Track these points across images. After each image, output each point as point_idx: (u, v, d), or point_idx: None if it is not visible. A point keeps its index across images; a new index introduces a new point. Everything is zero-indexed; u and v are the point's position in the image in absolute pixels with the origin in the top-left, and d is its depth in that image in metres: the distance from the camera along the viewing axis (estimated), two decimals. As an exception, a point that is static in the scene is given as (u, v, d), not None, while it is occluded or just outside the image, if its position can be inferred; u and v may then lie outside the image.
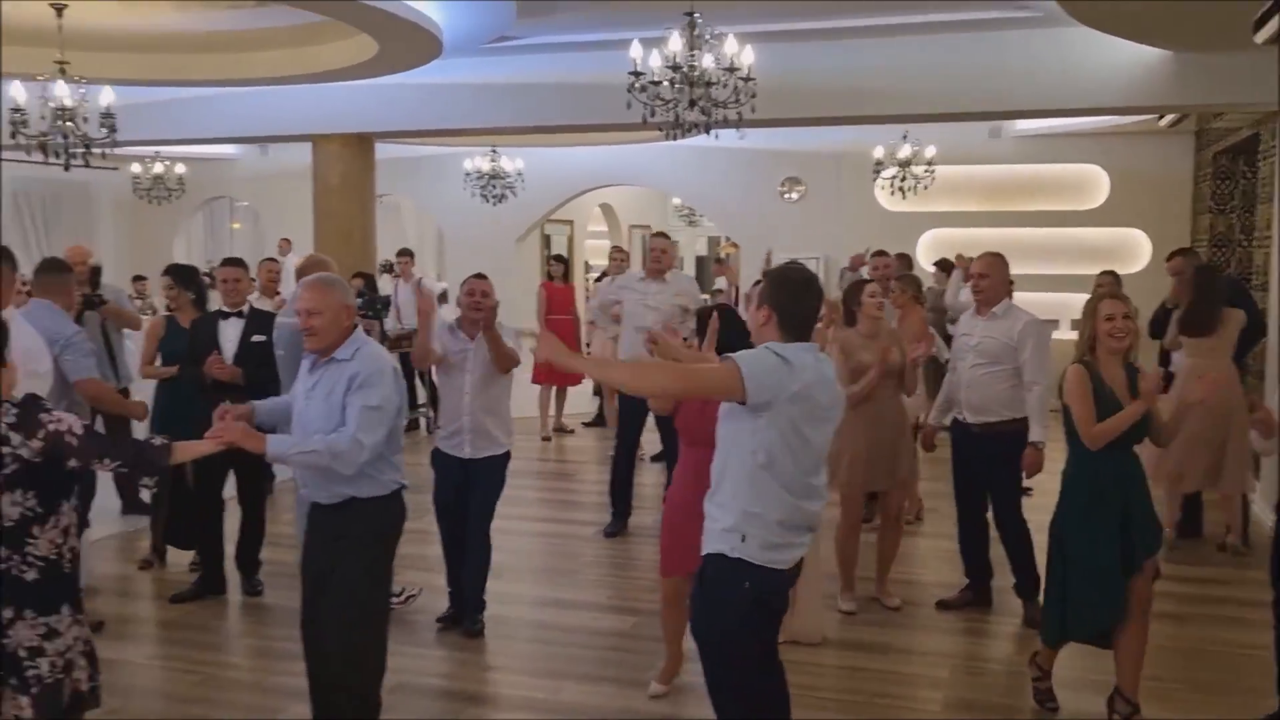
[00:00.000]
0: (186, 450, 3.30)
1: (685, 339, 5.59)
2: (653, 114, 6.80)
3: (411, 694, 4.69)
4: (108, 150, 7.82)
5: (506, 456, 5.43)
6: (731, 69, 6.59)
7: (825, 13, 8.21)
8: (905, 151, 12.00)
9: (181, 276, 6.54)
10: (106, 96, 7.81)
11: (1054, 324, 10.84)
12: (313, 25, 8.20)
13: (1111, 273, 8.61)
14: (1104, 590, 4.15)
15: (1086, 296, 4.52)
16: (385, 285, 11.36)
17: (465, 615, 5.46)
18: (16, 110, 7.44)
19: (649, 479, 8.50)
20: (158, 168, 14.37)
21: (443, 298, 12.78)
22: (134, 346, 7.50)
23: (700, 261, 21.42)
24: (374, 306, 8.94)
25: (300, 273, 5.78)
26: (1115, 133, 12.09)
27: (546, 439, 10.60)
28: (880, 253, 8.30)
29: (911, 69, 8.60)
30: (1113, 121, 11.39)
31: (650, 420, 7.04)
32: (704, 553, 3.27)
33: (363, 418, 3.63)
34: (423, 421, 10.80)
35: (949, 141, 12.14)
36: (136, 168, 14.34)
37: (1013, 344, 5.37)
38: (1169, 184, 12.27)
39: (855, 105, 8.97)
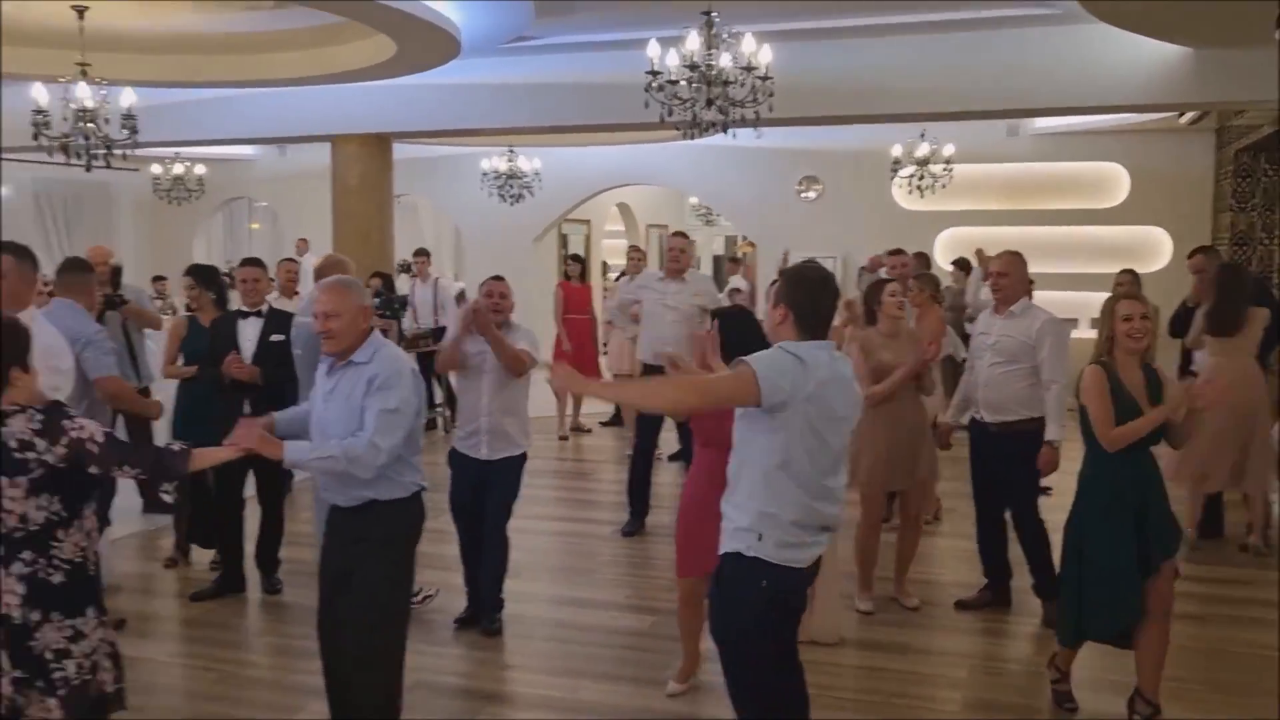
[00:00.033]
0: (205, 457, 3.33)
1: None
2: (670, 113, 6.79)
3: (429, 692, 4.70)
4: (128, 151, 7.87)
5: (523, 458, 5.43)
6: (749, 68, 6.59)
7: (842, 11, 8.19)
8: (923, 150, 11.95)
9: (203, 277, 6.58)
10: (127, 98, 7.86)
11: (1073, 323, 10.78)
12: (331, 26, 8.24)
13: (1131, 271, 8.56)
14: (1120, 591, 4.13)
15: (1106, 295, 4.50)
16: (403, 285, 11.39)
17: (483, 614, 5.47)
18: (39, 112, 7.50)
19: (666, 478, 8.49)
20: (178, 168, 14.46)
21: (460, 297, 12.80)
22: (154, 346, 7.55)
23: (717, 261, 21.39)
24: (391, 306, 8.97)
25: (318, 272, 5.80)
26: (1135, 130, 12.02)
27: (564, 438, 10.62)
28: (898, 251, 8.28)
29: (930, 67, 8.57)
30: (1132, 119, 11.32)
31: (668, 420, 7.04)
32: (721, 552, 3.27)
33: (380, 421, 3.62)
34: (439, 421, 10.83)
35: (967, 140, 12.09)
36: (157, 168, 14.43)
37: (1031, 342, 5.35)
38: (1189, 182, 12.19)
39: (873, 104, 8.94)
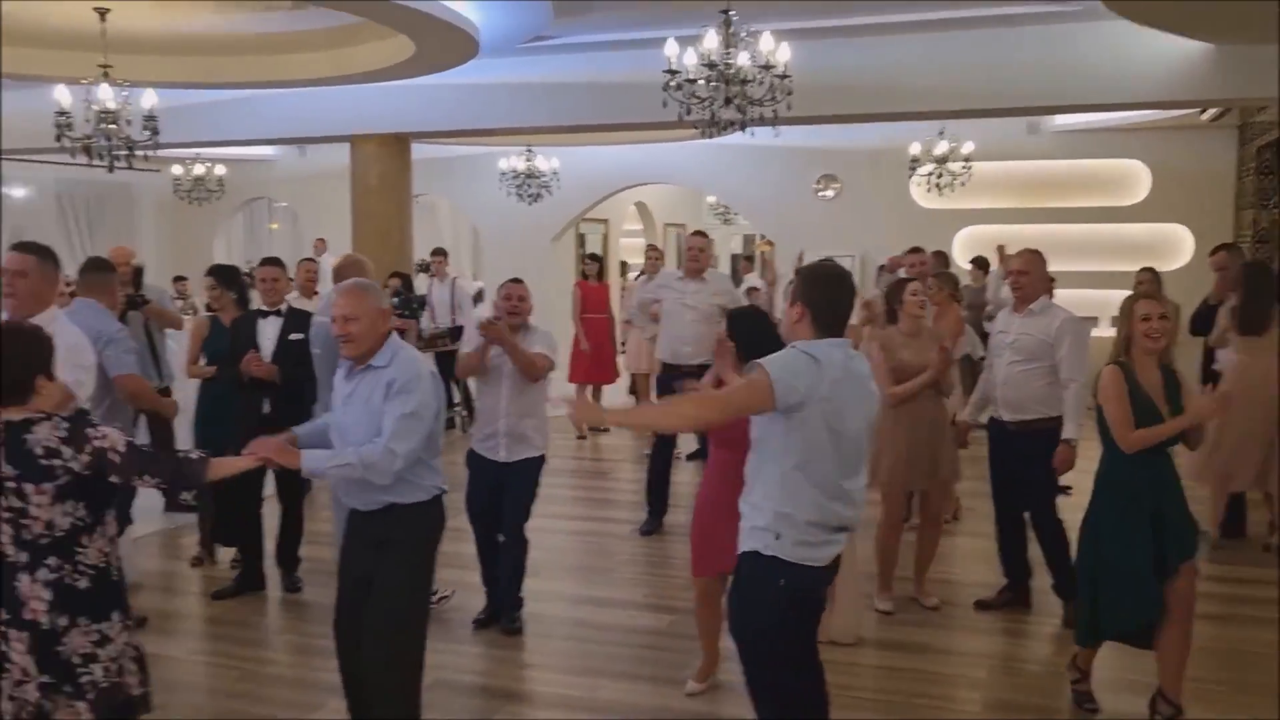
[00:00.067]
0: (223, 466, 3.36)
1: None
2: (688, 112, 6.79)
3: (448, 691, 4.72)
4: (150, 152, 7.93)
5: (541, 460, 5.43)
6: (767, 66, 6.58)
7: (861, 9, 8.17)
8: (942, 148, 11.92)
9: (224, 277, 6.62)
10: (149, 99, 7.92)
11: (1093, 321, 10.73)
12: (350, 27, 8.27)
13: (1151, 270, 8.50)
14: (1135, 591, 4.11)
15: (1127, 293, 4.48)
16: (421, 285, 11.42)
17: (502, 614, 5.48)
18: (62, 113, 7.57)
19: (685, 478, 8.49)
20: (198, 169, 14.55)
21: (478, 297, 12.83)
22: (175, 346, 7.60)
23: (735, 260, 21.37)
24: (410, 306, 9.00)
25: (337, 272, 5.83)
26: (1156, 127, 11.94)
27: (582, 437, 10.64)
28: (916, 250, 8.24)
29: (949, 65, 8.54)
30: (1153, 116, 11.25)
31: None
32: (740, 551, 3.27)
33: (397, 426, 3.60)
34: (456, 420, 10.85)
35: (986, 137, 12.04)
36: (178, 169, 14.53)
37: (1050, 341, 5.32)
38: (1211, 179, 12.09)
39: (892, 102, 8.91)
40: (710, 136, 7.42)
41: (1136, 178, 12.70)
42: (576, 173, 14.55)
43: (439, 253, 11.77)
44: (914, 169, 12.25)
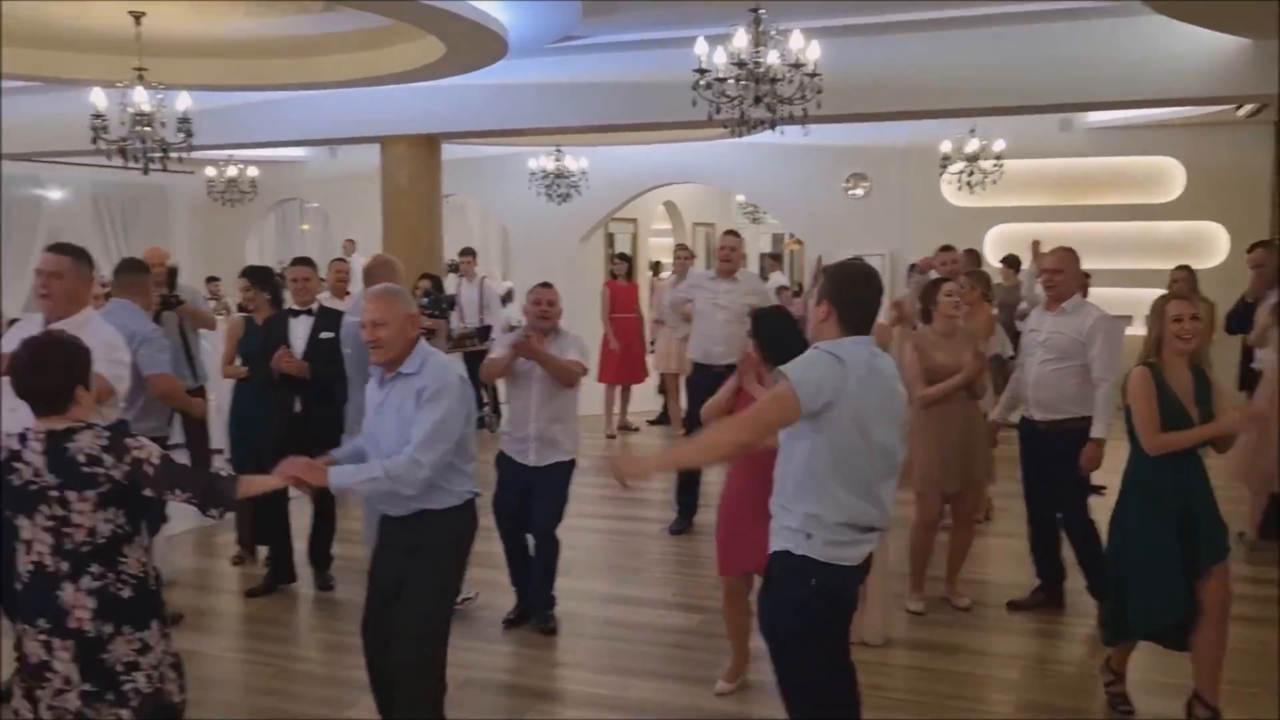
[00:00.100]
0: (253, 485, 3.41)
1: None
2: (718, 111, 6.77)
3: (479, 689, 4.74)
4: (184, 154, 8.00)
5: (572, 464, 5.44)
6: (797, 65, 6.56)
7: (891, 7, 8.12)
8: (973, 145, 11.82)
9: (258, 278, 6.68)
10: (183, 102, 7.99)
11: (1127, 320, 10.62)
12: (380, 29, 8.31)
13: (1186, 268, 8.41)
14: (1163, 592, 4.08)
15: (1161, 292, 4.43)
16: (450, 285, 11.47)
17: (536, 613, 5.49)
18: (97, 116, 7.66)
19: (714, 477, 8.45)
20: (231, 171, 14.67)
21: (507, 297, 12.86)
22: (209, 346, 7.67)
23: (764, 259, 21.32)
24: (440, 306, 9.04)
25: (366, 272, 5.86)
26: (1190, 123, 11.79)
27: (611, 437, 10.65)
28: (947, 248, 8.17)
29: (980, 61, 8.46)
30: (1188, 112, 11.12)
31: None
32: (770, 550, 3.26)
33: (424, 435, 3.60)
34: (485, 420, 10.87)
35: (1018, 135, 11.92)
36: (211, 171, 14.66)
37: (1082, 340, 5.28)
38: (1247, 175, 11.92)
39: (923, 99, 8.85)
40: (739, 135, 7.40)
41: (1171, 175, 12.56)
42: (605, 173, 14.56)
43: (467, 252, 11.82)
44: (945, 167, 12.16)
